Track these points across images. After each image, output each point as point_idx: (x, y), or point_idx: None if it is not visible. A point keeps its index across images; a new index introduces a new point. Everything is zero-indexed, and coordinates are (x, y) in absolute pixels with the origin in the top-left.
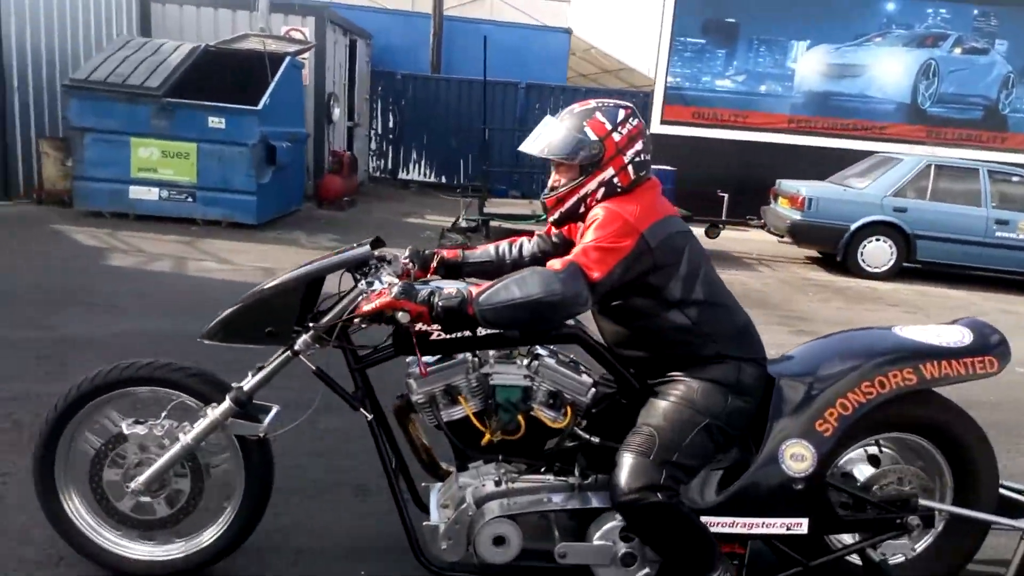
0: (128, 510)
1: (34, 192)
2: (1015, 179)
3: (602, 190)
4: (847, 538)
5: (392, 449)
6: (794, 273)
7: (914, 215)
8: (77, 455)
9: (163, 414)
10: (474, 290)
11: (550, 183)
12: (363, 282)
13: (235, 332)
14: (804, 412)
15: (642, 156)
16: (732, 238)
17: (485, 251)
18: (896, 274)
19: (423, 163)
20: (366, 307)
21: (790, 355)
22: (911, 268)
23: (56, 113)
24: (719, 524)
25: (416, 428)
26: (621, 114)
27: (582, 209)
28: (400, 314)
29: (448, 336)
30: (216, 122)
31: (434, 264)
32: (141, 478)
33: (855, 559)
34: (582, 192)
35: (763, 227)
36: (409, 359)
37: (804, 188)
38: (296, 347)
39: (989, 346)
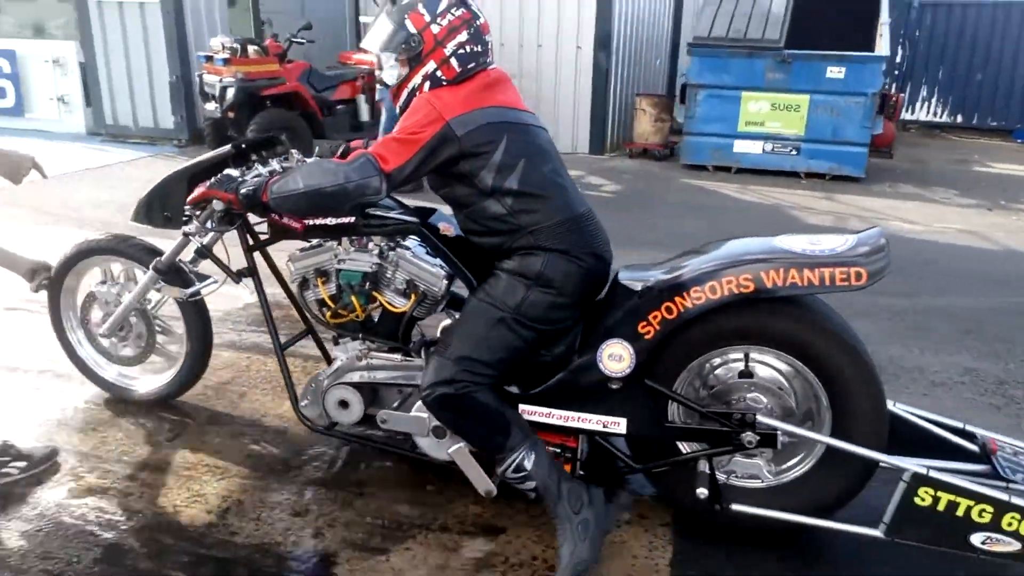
0: (108, 348)
1: (625, 146)
2: None
3: (427, 83)
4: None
5: (304, 320)
6: None
7: None
8: (73, 305)
9: (120, 277)
10: (274, 178)
11: None
12: (226, 172)
13: (145, 216)
14: (630, 313)
15: (468, 48)
16: None
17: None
18: None
19: (934, 100)
20: (189, 196)
21: (664, 261)
22: None
23: (651, 69)
24: (536, 413)
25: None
26: (443, 4)
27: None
28: (215, 202)
29: (308, 224)
30: (835, 72)
31: (339, 153)
32: (105, 325)
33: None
34: (410, 86)
35: None
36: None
37: None
38: (187, 230)
39: (858, 256)
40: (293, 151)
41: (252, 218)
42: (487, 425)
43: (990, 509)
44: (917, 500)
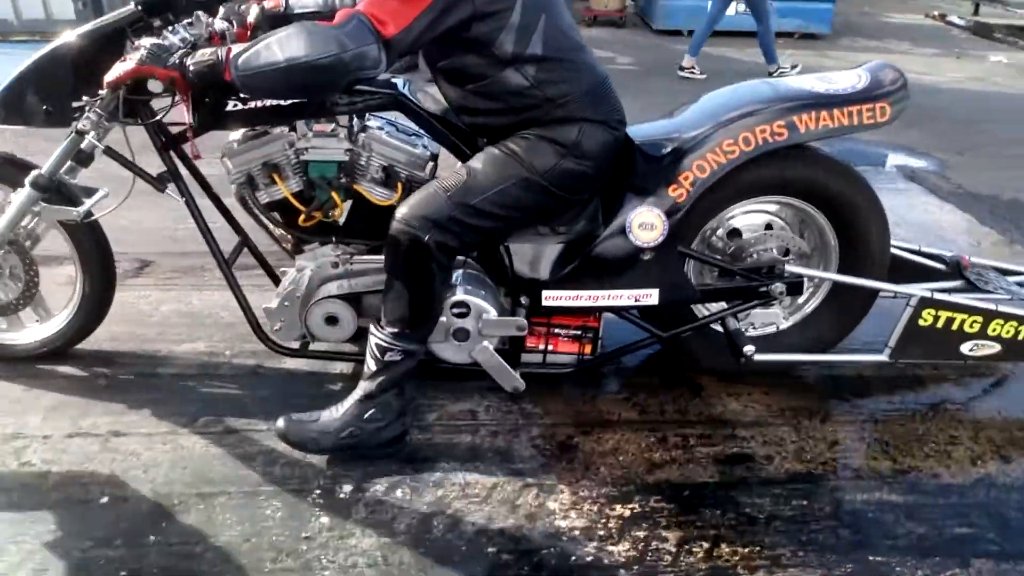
0: None
1: (584, 12)
2: None
3: None
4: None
5: (237, 231)
6: None
7: None
8: None
9: None
10: (236, 48)
11: None
12: (137, 45)
13: (14, 111)
14: (658, 177)
15: None
16: None
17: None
18: None
19: None
20: (108, 77)
21: (664, 118)
22: None
23: None
24: (563, 297)
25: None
26: None
27: None
28: (150, 82)
29: (248, 107)
30: None
31: (252, 19)
32: None
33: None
34: None
35: None
36: (233, 136)
37: None
38: (80, 126)
39: (882, 91)
40: (200, 12)
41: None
42: (415, 299)
43: (980, 319)
44: (921, 321)
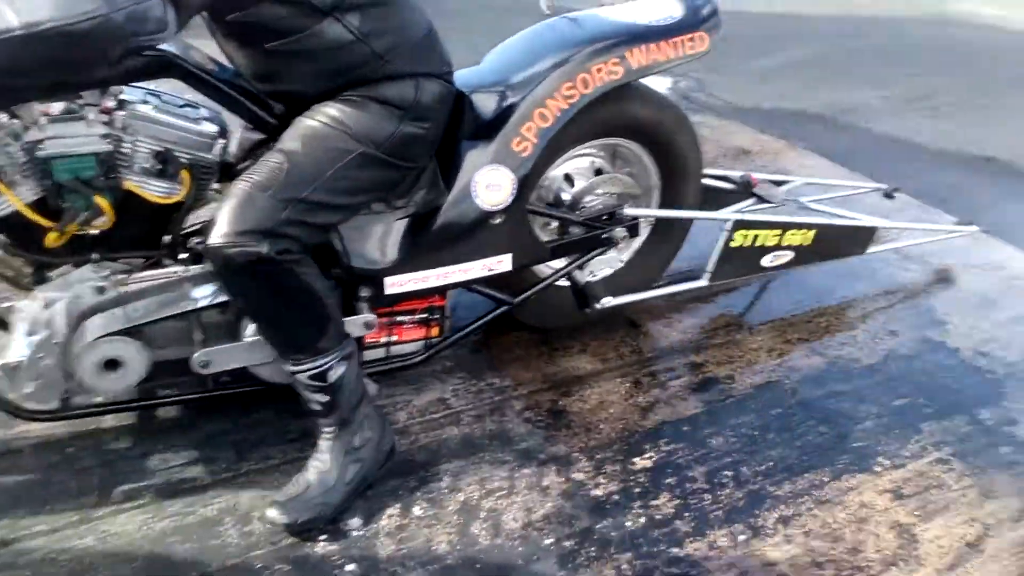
0: None
1: None
2: None
3: None
4: (559, 263)
5: None
6: None
7: None
8: None
9: None
10: None
11: None
12: None
13: None
14: (498, 131)
15: None
16: None
17: None
18: None
19: None
20: None
21: (483, 62)
22: None
23: None
24: (408, 282)
25: None
26: None
27: None
28: None
29: None
30: None
31: None
32: None
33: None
34: None
35: None
36: None
37: None
38: None
39: (698, 20)
40: None
41: None
42: (301, 311)
43: (778, 232)
44: (733, 243)
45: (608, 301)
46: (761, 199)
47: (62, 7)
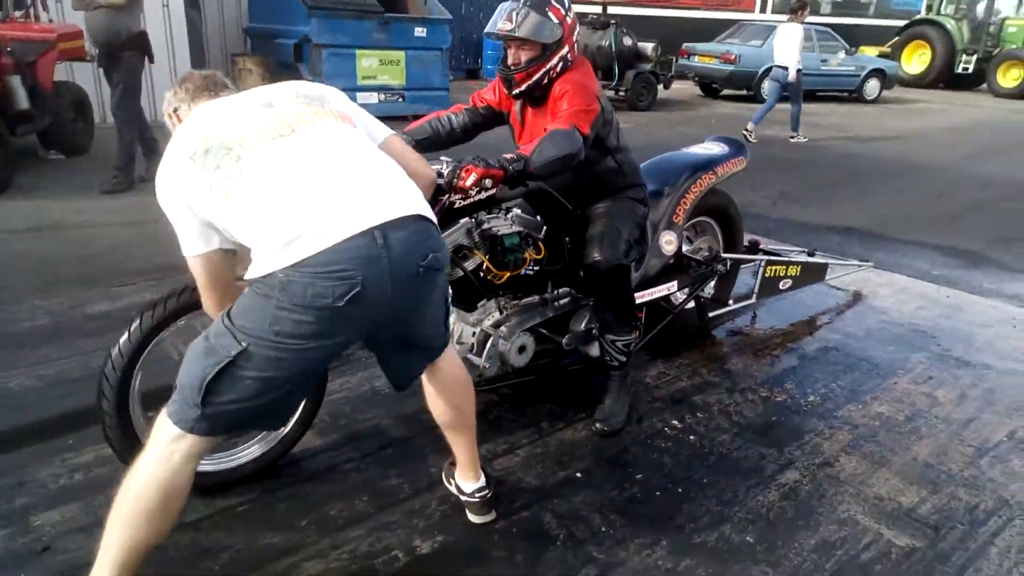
0: None
1: None
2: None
3: (560, 64)
4: (681, 295)
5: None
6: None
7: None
8: None
9: None
10: (509, 156)
11: (510, 60)
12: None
13: None
14: (667, 211)
15: (578, 35)
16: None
17: (422, 127)
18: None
19: None
20: (469, 180)
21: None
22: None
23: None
24: (645, 295)
25: None
26: (567, 0)
27: (545, 81)
28: (487, 181)
29: (468, 202)
30: (420, 31)
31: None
32: None
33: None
34: (547, 67)
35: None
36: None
37: (734, 48)
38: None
39: (738, 151)
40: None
41: None
42: (631, 302)
43: (784, 267)
44: (767, 274)
45: (712, 313)
46: (765, 252)
47: (569, 148)
